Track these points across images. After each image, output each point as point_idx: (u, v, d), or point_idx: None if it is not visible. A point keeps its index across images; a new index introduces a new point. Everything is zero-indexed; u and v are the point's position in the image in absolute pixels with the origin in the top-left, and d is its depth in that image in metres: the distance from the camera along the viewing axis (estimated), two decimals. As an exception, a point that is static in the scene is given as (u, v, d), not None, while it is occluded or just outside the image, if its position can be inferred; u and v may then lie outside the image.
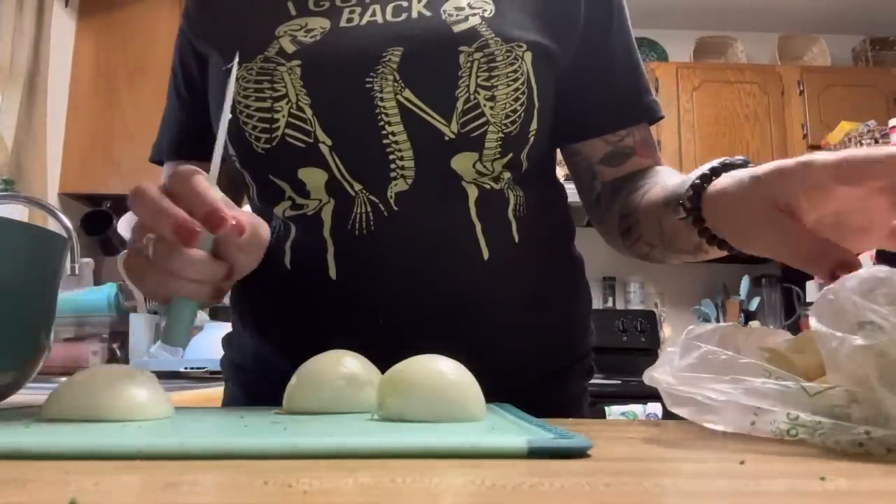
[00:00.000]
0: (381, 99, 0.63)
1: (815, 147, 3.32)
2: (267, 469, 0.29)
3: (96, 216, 2.41)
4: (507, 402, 0.56)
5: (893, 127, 2.93)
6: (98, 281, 2.28)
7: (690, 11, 3.63)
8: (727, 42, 3.70)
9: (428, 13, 0.66)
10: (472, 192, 0.65)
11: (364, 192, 0.64)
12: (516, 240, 0.67)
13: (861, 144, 3.01)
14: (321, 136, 0.64)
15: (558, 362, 0.73)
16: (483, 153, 0.64)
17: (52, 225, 1.78)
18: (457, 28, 0.65)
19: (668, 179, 0.65)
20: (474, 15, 0.66)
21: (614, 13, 0.75)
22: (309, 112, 0.64)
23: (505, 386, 0.61)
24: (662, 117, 0.76)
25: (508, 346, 0.68)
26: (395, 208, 0.64)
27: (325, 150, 0.64)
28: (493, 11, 0.67)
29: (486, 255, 0.65)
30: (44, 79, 2.18)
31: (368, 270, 0.64)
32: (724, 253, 0.57)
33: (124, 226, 2.35)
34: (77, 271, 1.38)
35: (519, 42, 0.66)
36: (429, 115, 0.63)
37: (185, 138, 0.78)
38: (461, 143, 0.64)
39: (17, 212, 1.93)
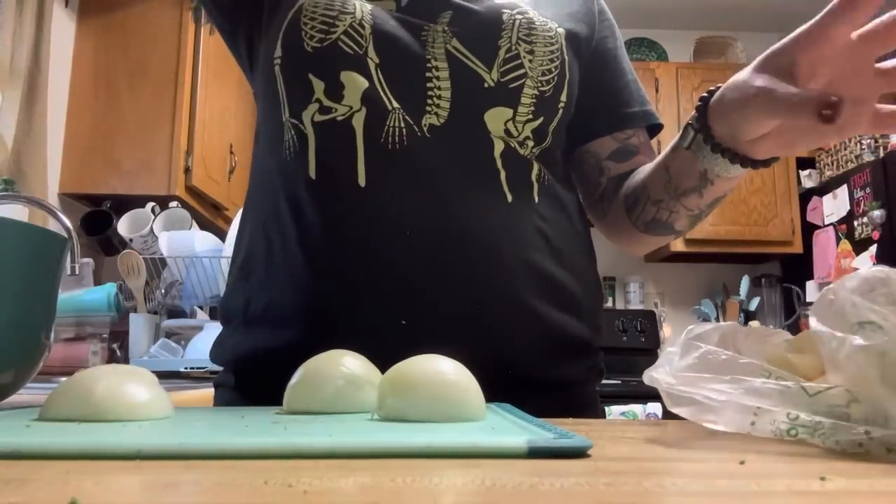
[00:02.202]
0: (433, 47, 0.69)
1: (815, 147, 3.32)
2: (267, 469, 0.29)
3: (96, 216, 2.41)
4: (515, 402, 0.56)
5: (893, 127, 2.93)
6: (98, 281, 2.28)
7: (690, 11, 3.63)
8: (727, 42, 3.71)
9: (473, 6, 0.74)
10: (499, 146, 0.68)
11: (401, 110, 0.67)
12: (536, 200, 0.70)
13: (861, 144, 3.01)
14: (371, 52, 0.68)
15: (560, 358, 0.72)
16: (518, 110, 0.69)
17: (52, 225, 1.78)
18: (499, 1, 0.74)
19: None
20: (514, 2, 0.75)
21: (618, 38, 0.85)
22: (368, 29, 0.68)
23: (510, 383, 0.61)
24: (662, 125, 0.84)
25: (522, 291, 0.66)
26: (428, 135, 0.67)
27: (371, 64, 0.68)
28: (529, 2, 0.76)
29: (509, 198, 0.68)
30: (44, 79, 2.18)
31: (398, 182, 0.65)
32: (731, 178, 0.63)
33: (124, 226, 2.35)
34: (77, 271, 1.38)
35: (553, 21, 0.74)
36: (472, 62, 0.69)
37: None
38: (499, 93, 0.68)
39: (18, 212, 1.93)
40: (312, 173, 0.67)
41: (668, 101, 3.35)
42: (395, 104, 0.67)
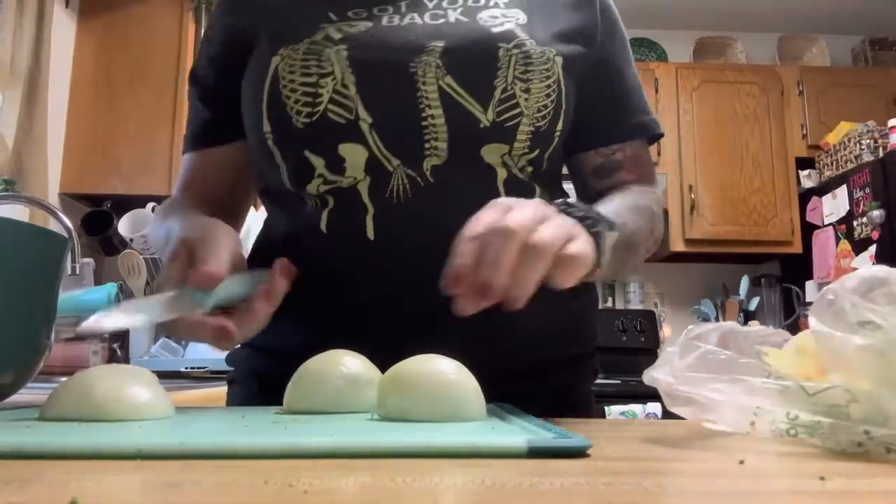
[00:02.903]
0: (424, 83, 0.66)
1: (815, 147, 3.32)
2: (267, 469, 0.29)
3: (96, 216, 2.41)
4: (519, 404, 0.56)
5: (893, 127, 2.93)
6: (98, 281, 2.28)
7: (690, 11, 3.63)
8: (727, 42, 3.70)
9: (465, 19, 0.71)
10: (502, 174, 0.68)
11: (402, 167, 0.66)
12: None
13: (860, 145, 3.01)
14: (362, 113, 0.66)
15: (567, 350, 0.74)
16: (513, 146, 0.68)
17: (52, 225, 1.78)
18: (494, 29, 0.70)
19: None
20: (509, 21, 0.71)
21: (618, 38, 0.80)
22: (353, 89, 0.66)
23: (512, 383, 0.61)
24: (658, 135, 0.80)
25: (522, 318, 0.66)
26: (431, 180, 0.66)
27: (364, 127, 0.66)
28: (526, 20, 0.72)
29: None
30: (44, 79, 2.18)
31: (405, 234, 0.66)
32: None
33: (125, 226, 2.35)
34: (77, 271, 1.38)
35: (551, 47, 0.71)
36: (467, 102, 0.67)
37: (204, 131, 0.81)
38: (495, 132, 0.67)
39: (18, 212, 1.93)
40: (324, 228, 0.68)
41: (667, 102, 3.34)
42: (395, 162, 0.66)
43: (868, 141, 2.99)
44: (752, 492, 0.27)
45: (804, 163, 3.36)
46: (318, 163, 0.67)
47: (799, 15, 3.64)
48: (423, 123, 0.66)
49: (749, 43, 3.68)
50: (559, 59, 0.71)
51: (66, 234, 1.43)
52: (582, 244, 0.50)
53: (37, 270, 0.55)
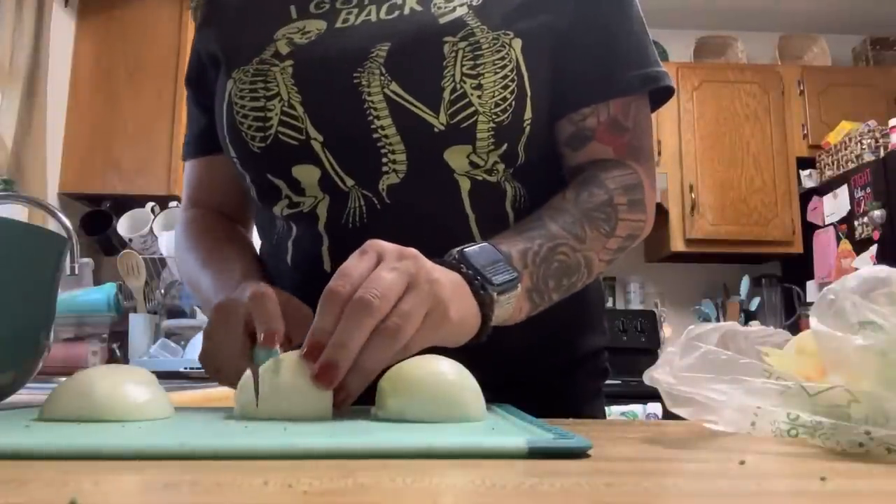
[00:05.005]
0: (369, 94, 0.64)
1: (816, 147, 3.32)
2: (267, 469, 0.29)
3: (96, 216, 2.41)
4: (516, 401, 0.56)
5: (893, 127, 2.93)
6: (98, 281, 2.28)
7: (690, 11, 3.63)
8: (727, 42, 3.70)
9: (419, 8, 0.67)
10: (465, 184, 0.65)
11: (357, 187, 0.65)
12: None
13: (861, 144, 3.01)
14: (312, 132, 0.65)
15: (560, 357, 0.73)
16: (476, 145, 0.64)
17: (51, 225, 1.78)
18: (443, 19, 0.66)
19: (552, 206, 0.64)
20: (462, 5, 0.66)
21: None
22: (300, 109, 0.65)
23: (511, 383, 0.61)
24: (661, 88, 0.72)
25: (506, 338, 0.62)
26: (388, 201, 0.64)
27: (317, 146, 0.65)
28: (478, 4, 0.66)
29: (481, 243, 0.62)
30: (44, 78, 2.19)
31: None
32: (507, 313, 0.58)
33: (124, 226, 2.35)
34: (77, 271, 1.38)
35: (506, 31, 0.65)
36: (416, 108, 0.63)
37: (204, 135, 0.79)
38: (452, 135, 0.63)
39: (17, 212, 1.93)
40: (289, 260, 0.68)
41: (668, 101, 3.35)
42: (350, 181, 0.64)
43: (869, 140, 2.99)
44: (752, 492, 0.27)
45: (805, 162, 3.36)
46: (281, 184, 0.67)
47: (800, 14, 3.64)
48: (375, 136, 0.63)
49: (750, 42, 3.68)
50: (517, 42, 0.65)
51: (65, 234, 1.43)
52: (439, 319, 0.48)
53: (36, 270, 0.55)
